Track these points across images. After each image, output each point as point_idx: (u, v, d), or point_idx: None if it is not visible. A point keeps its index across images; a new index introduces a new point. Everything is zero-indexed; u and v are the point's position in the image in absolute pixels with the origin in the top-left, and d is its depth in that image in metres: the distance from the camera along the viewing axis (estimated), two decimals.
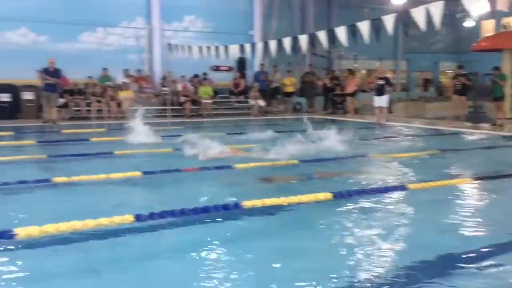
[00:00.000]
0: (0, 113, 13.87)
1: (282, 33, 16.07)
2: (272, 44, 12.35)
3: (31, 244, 3.63)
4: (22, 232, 3.66)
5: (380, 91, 14.30)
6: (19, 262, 3.30)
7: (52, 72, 13.29)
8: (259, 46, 12.97)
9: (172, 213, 4.22)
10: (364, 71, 25.89)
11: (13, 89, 14.44)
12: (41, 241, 3.66)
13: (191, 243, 3.78)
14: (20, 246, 3.59)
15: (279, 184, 5.99)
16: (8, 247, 3.56)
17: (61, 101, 14.52)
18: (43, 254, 3.53)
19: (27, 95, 14.61)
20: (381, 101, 14.26)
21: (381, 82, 14.32)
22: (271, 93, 18.34)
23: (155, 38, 17.55)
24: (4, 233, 3.62)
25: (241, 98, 17.96)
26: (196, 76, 17.67)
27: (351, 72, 18.57)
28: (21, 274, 3.12)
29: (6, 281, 3.00)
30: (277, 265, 3.29)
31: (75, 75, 15.47)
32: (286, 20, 20.67)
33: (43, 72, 13.19)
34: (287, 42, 12.01)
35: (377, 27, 10.16)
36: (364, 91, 19.97)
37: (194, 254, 3.47)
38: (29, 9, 15.21)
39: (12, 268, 3.20)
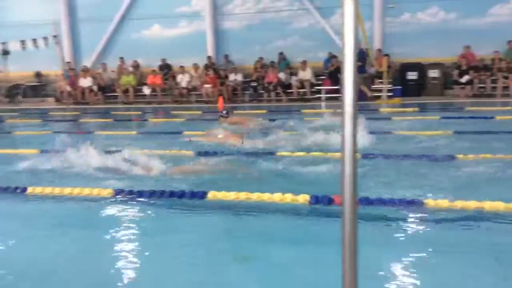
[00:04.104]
0: (407, 90, 14.87)
1: None
2: None
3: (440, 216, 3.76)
4: (431, 203, 3.84)
5: None
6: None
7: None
8: None
9: None
10: None
11: (420, 68, 15.18)
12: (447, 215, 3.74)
13: None
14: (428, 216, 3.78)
15: None
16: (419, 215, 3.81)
17: (466, 78, 14.29)
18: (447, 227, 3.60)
19: (433, 73, 15.07)
20: None
21: None
22: None
23: None
24: (415, 201, 3.89)
25: None
26: None
27: None
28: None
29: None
30: None
31: (481, 50, 14.83)
32: None
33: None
34: None
35: None
36: None
37: None
38: None
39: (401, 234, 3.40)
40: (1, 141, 9.46)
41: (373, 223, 3.73)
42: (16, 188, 5.07)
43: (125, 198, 4.66)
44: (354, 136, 1.65)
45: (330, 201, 4.17)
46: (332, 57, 15.62)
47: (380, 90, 14.48)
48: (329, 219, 3.88)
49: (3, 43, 17.04)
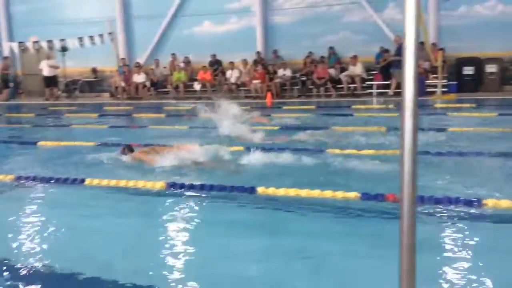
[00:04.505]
0: (463, 86, 14.30)
1: None
2: None
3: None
4: (489, 202, 3.69)
5: None
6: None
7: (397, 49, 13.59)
8: None
9: None
10: None
11: (476, 62, 14.56)
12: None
13: None
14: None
15: None
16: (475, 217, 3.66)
17: None
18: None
19: (490, 68, 14.42)
20: None
21: None
22: None
23: None
24: (472, 201, 3.74)
25: None
26: None
27: None
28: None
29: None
30: None
31: None
32: None
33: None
34: None
35: None
36: None
37: None
38: None
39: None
40: (60, 134, 9.89)
41: (427, 223, 3.62)
42: (75, 179, 5.29)
43: (177, 191, 4.76)
44: (415, 132, 1.60)
45: (382, 199, 4.08)
46: (384, 51, 15.26)
47: (434, 86, 14.01)
48: (381, 217, 3.81)
49: (62, 40, 17.76)
